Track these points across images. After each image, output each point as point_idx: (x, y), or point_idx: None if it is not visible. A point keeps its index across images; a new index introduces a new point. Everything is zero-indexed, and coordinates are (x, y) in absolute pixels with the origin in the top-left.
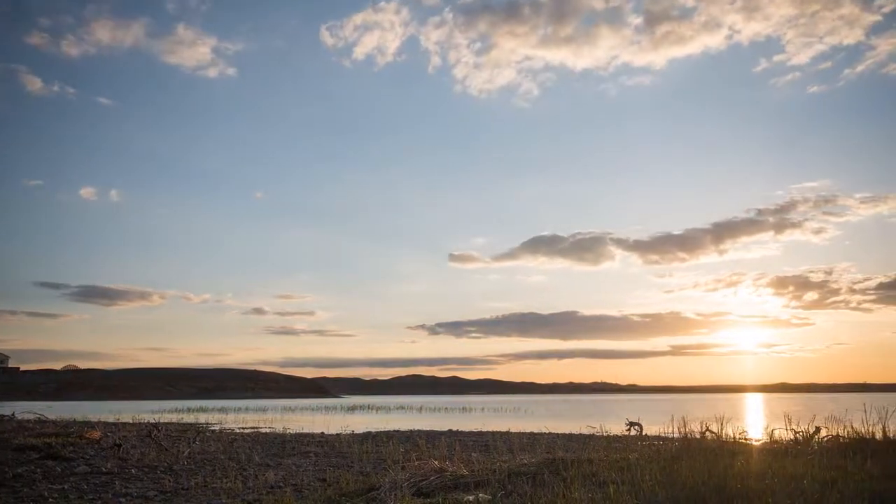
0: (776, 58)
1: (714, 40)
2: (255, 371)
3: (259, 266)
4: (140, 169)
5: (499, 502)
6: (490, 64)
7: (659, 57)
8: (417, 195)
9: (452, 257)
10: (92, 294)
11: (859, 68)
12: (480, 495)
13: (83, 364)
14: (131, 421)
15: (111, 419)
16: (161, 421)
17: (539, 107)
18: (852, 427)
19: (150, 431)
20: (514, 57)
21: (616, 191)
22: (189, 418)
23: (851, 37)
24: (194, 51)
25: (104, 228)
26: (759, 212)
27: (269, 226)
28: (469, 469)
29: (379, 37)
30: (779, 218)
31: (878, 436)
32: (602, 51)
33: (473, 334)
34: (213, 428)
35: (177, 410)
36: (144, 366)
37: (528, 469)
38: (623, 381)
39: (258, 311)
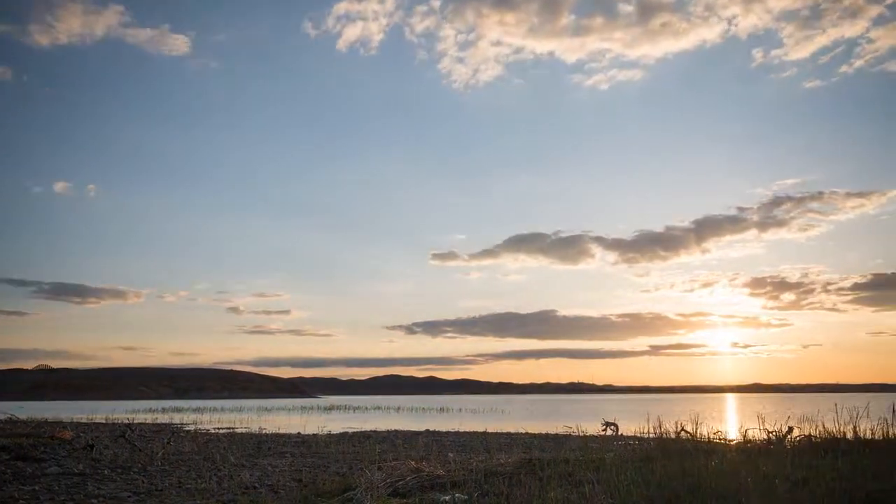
0: (774, 52)
1: (711, 33)
2: (231, 371)
3: (235, 264)
4: (118, 164)
5: (475, 502)
6: (477, 56)
7: (654, 50)
8: (399, 191)
9: (434, 255)
10: (64, 291)
11: (857, 63)
12: (457, 495)
13: (55, 363)
14: (104, 421)
15: (84, 419)
16: (135, 421)
17: (526, 101)
18: (824, 427)
19: (123, 432)
20: (503, 49)
21: (600, 188)
22: (164, 418)
23: (852, 31)
24: (173, 41)
25: (78, 224)
26: (742, 210)
27: (246, 223)
28: (446, 469)
29: (362, 28)
30: (761, 216)
31: (849, 435)
32: (594, 43)
33: (451, 334)
34: (188, 428)
35: (151, 410)
36: (118, 365)
37: (505, 469)
38: (600, 382)
39: (234, 309)
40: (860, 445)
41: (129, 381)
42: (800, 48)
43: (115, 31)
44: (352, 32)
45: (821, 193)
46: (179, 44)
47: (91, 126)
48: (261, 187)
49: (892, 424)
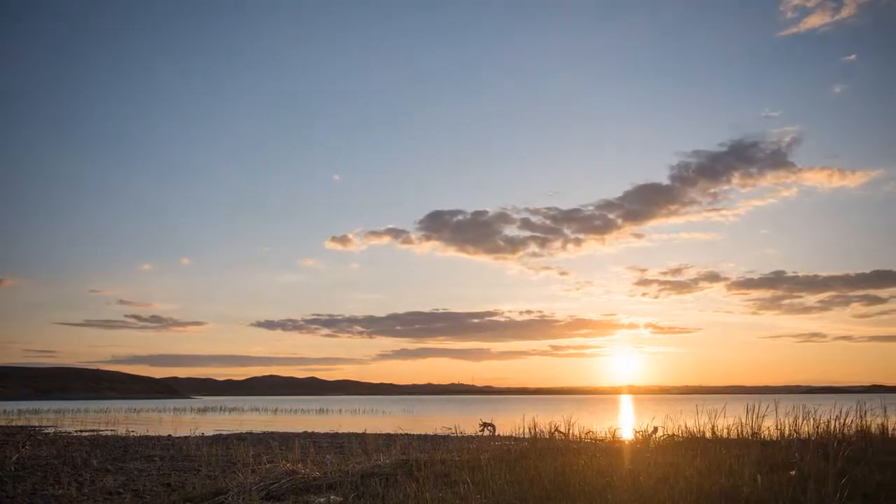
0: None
1: None
2: (97, 370)
3: (101, 251)
4: None
5: None
6: None
7: None
8: (291, 169)
9: (331, 239)
10: None
11: None
12: (332, 497)
13: None
14: None
15: None
16: None
17: (441, 63)
18: (686, 427)
19: None
20: None
21: (515, 164)
22: (20, 421)
23: None
24: None
25: None
26: (658, 199)
27: (112, 206)
28: (322, 471)
29: None
30: (677, 207)
31: (708, 434)
32: None
33: (336, 332)
34: (47, 431)
35: (5, 413)
36: None
37: (382, 470)
38: (479, 383)
39: (101, 302)
40: (717, 443)
41: None
42: None
43: None
44: None
45: (760, 173)
46: None
47: None
48: (123, 166)
49: (745, 424)
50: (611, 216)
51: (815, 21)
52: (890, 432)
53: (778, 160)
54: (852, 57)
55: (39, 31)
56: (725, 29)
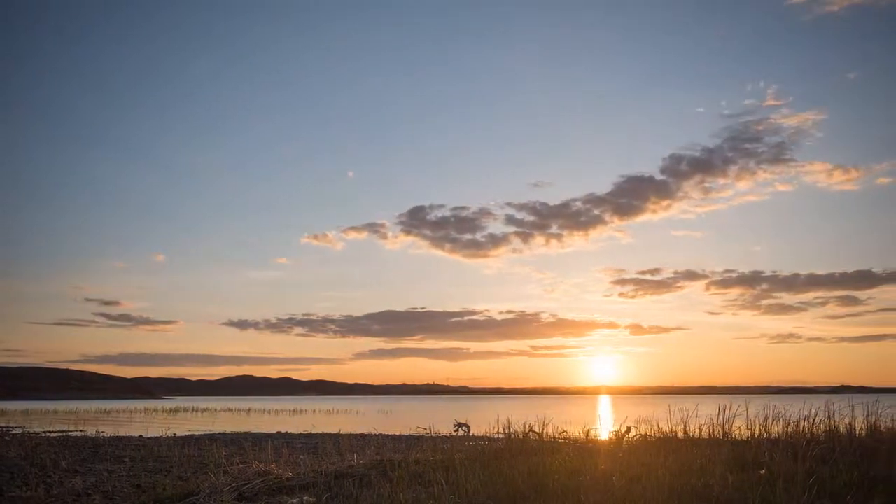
0: None
1: None
2: (66, 370)
3: (68, 247)
4: None
5: None
6: None
7: None
8: (271, 165)
9: (303, 238)
10: None
11: None
12: (305, 498)
13: None
14: None
15: None
16: None
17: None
18: (658, 427)
19: None
20: None
21: (502, 161)
22: None
23: None
24: None
25: None
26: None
27: (77, 203)
28: (295, 472)
29: None
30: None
31: (680, 435)
32: None
33: (309, 331)
34: (14, 432)
35: None
36: None
37: (356, 471)
38: (454, 383)
39: (70, 300)
40: (688, 443)
41: None
42: None
43: None
44: None
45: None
46: None
47: None
48: (102, 158)
49: (716, 424)
50: (596, 211)
51: (832, 6)
52: (857, 432)
53: (779, 154)
54: (870, 43)
55: None
56: (734, 15)
